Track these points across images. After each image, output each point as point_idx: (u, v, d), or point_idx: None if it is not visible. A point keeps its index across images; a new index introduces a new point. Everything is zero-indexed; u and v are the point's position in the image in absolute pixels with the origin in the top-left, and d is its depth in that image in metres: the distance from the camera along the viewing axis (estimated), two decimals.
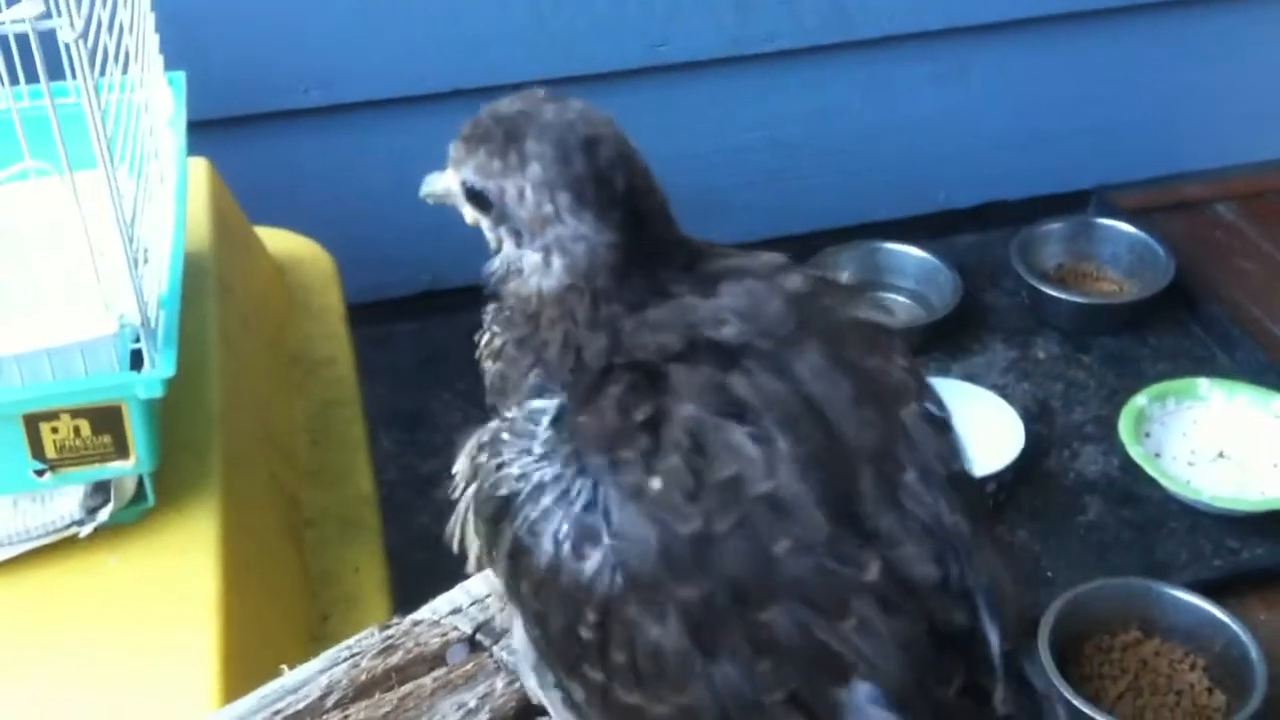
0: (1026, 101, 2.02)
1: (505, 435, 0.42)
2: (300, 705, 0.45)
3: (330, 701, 0.45)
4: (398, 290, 1.93)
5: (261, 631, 0.90)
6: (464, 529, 0.45)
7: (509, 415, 0.43)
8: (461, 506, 0.44)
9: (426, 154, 1.93)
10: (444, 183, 0.47)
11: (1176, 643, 1.39)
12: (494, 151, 0.43)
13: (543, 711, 0.46)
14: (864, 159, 2.00)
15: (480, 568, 0.45)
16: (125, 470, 0.87)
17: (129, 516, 0.90)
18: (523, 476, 0.40)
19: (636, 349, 0.41)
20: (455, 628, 0.49)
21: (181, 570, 0.88)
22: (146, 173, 0.94)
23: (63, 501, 0.88)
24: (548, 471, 0.40)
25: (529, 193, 0.43)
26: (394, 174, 1.85)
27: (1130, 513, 1.59)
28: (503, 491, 0.41)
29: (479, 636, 0.49)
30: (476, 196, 0.44)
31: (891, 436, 0.40)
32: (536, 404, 0.42)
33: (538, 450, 0.40)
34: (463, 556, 0.46)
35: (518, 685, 0.46)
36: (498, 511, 0.41)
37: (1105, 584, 1.41)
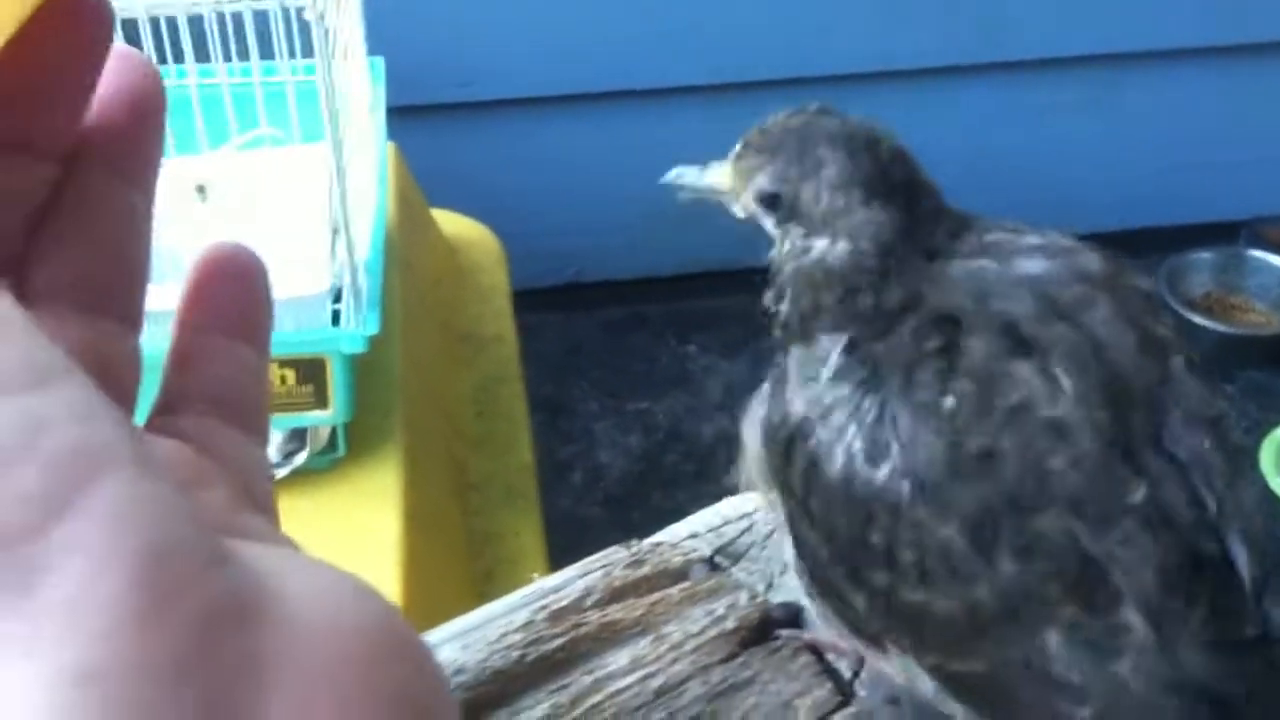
0: (1179, 130, 2.01)
1: (792, 368, 0.46)
2: (564, 603, 0.50)
3: (589, 602, 0.49)
4: (543, 281, 1.99)
5: (436, 580, 0.96)
6: (748, 466, 0.49)
7: (795, 354, 0.47)
8: (747, 441, 0.49)
9: (581, 150, 2.01)
10: (712, 180, 0.52)
11: None
12: (791, 159, 0.48)
13: (783, 623, 0.51)
14: (1010, 179, 2.01)
15: (763, 498, 0.49)
16: (323, 419, 0.94)
17: (321, 464, 0.97)
18: (814, 401, 0.45)
19: (931, 298, 0.45)
20: (694, 550, 0.54)
21: (367, 518, 0.94)
22: (355, 149, 1.00)
23: None
24: (839, 393, 0.44)
25: (824, 192, 0.48)
26: (548, 168, 1.93)
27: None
28: (794, 418, 0.45)
29: (718, 558, 0.53)
30: (770, 199, 0.49)
31: (1164, 381, 0.44)
32: (825, 340, 0.46)
33: (825, 375, 0.45)
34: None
35: (760, 599, 0.50)
36: (789, 438, 0.45)
37: None
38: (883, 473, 0.43)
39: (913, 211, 0.47)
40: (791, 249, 0.49)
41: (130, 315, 0.27)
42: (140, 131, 0.27)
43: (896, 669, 0.47)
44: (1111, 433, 0.42)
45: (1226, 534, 0.43)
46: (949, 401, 0.42)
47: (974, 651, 0.43)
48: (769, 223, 0.51)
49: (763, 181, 0.50)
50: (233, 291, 0.28)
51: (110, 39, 0.26)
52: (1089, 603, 0.41)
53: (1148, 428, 0.43)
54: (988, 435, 0.41)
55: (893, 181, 0.48)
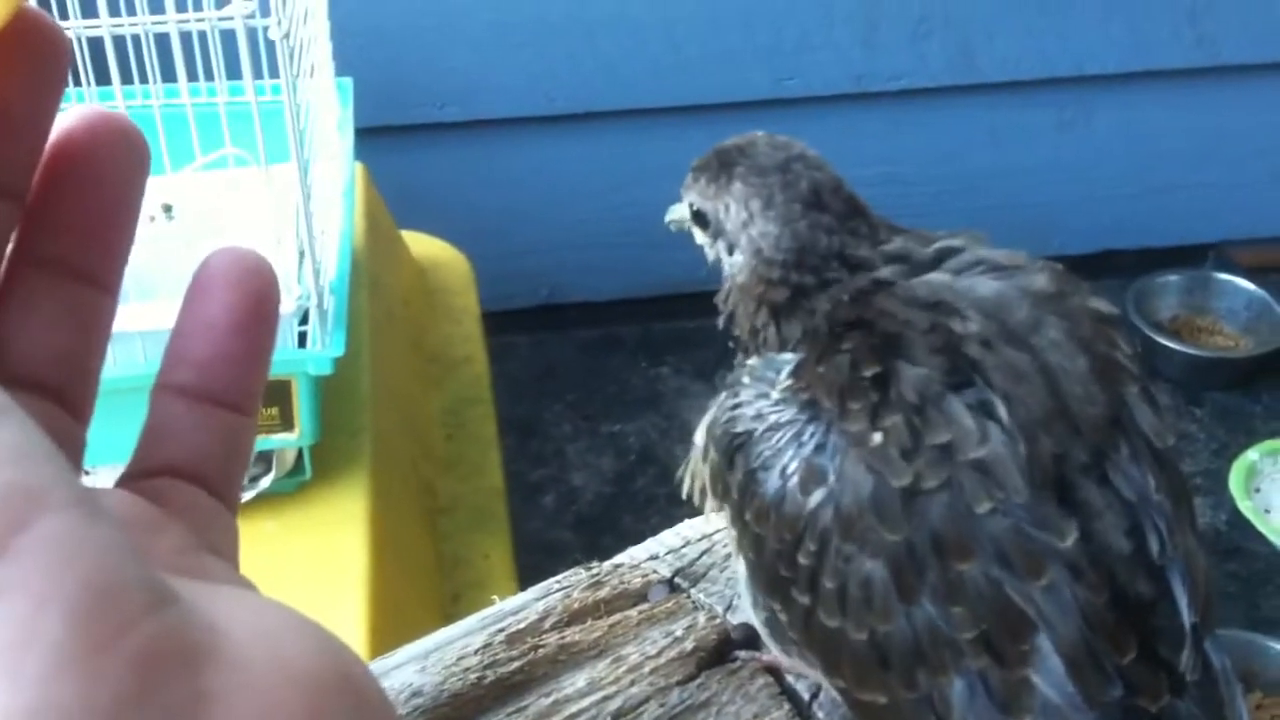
0: (1149, 153, 2.02)
1: (745, 379, 0.47)
2: (521, 625, 0.49)
3: (548, 624, 0.49)
4: (515, 302, 1.99)
5: (402, 604, 0.95)
6: (695, 463, 0.50)
7: (750, 363, 0.47)
8: (697, 440, 0.49)
9: (553, 171, 2.00)
10: (679, 210, 0.54)
11: (1278, 697, 1.38)
12: (711, 178, 0.50)
13: (740, 644, 0.50)
14: (981, 201, 2.02)
15: (704, 499, 0.49)
16: (289, 442, 0.93)
17: (287, 487, 0.96)
18: (758, 416, 0.45)
19: (877, 317, 0.45)
20: (655, 571, 0.53)
21: (334, 541, 0.93)
22: (322, 170, 1.00)
23: None
24: (783, 415, 0.44)
25: (733, 207, 0.49)
26: (520, 189, 1.93)
27: (1236, 566, 1.58)
28: (739, 429, 0.45)
29: (677, 580, 0.53)
30: (699, 216, 0.51)
31: (1113, 412, 0.44)
32: (776, 357, 0.47)
33: (774, 395, 0.45)
34: (683, 500, 0.51)
35: (718, 620, 0.50)
36: (732, 445, 0.46)
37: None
38: (814, 499, 0.43)
39: (823, 225, 0.48)
40: (722, 266, 0.51)
41: (79, 407, 0.26)
42: (111, 212, 0.26)
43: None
44: (1046, 470, 0.42)
45: (1169, 575, 0.43)
46: (877, 437, 0.42)
47: (879, 684, 0.43)
48: (704, 240, 0.52)
49: (690, 199, 0.52)
50: (234, 346, 0.27)
51: (67, 68, 0.26)
52: (1000, 655, 0.41)
53: (1093, 458, 0.43)
54: (914, 475, 0.41)
55: (800, 196, 0.48)
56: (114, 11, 0.89)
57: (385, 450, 1.04)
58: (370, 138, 1.55)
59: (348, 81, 1.19)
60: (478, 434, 1.20)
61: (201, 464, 0.27)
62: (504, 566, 1.09)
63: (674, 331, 1.98)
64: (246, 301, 0.27)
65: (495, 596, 0.55)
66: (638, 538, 0.57)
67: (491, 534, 1.11)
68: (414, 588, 1.00)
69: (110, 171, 0.26)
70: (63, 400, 0.26)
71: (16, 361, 0.25)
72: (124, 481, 0.27)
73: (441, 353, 1.29)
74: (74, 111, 0.26)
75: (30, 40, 0.24)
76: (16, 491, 0.17)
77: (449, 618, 1.05)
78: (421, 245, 1.42)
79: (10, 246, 0.26)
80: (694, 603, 0.52)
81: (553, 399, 1.92)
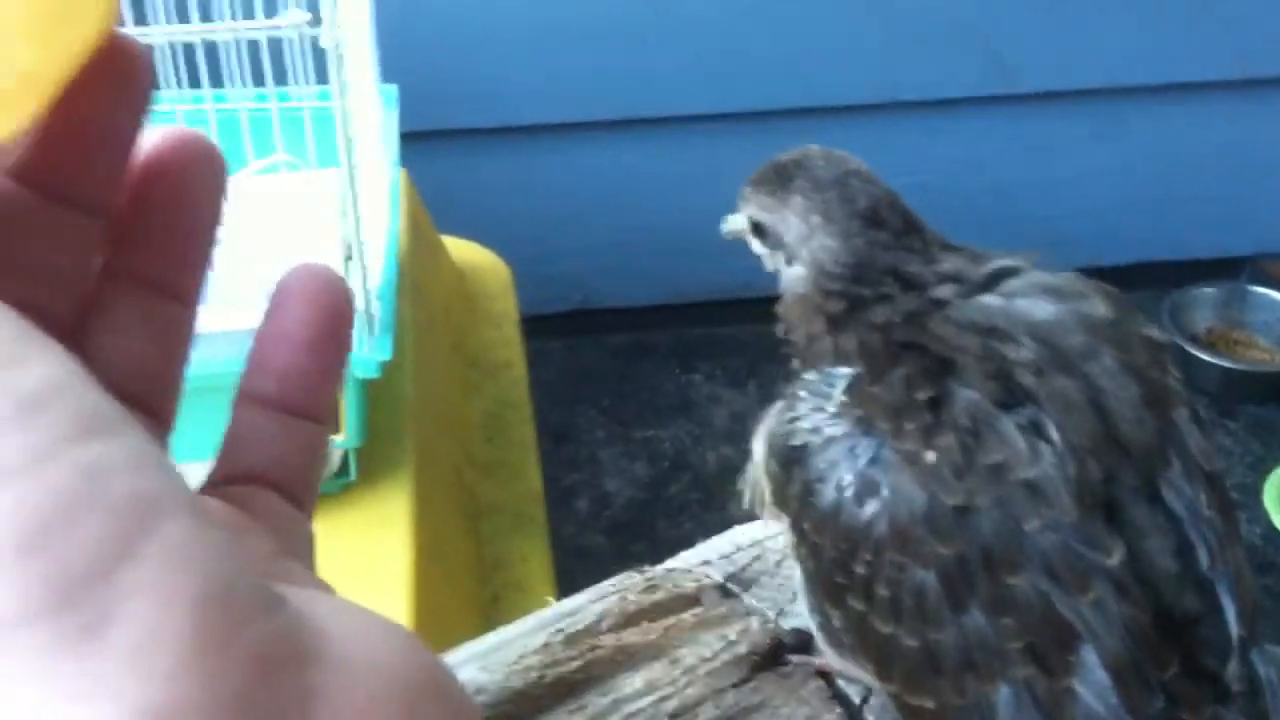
0: (1182, 165, 2.02)
1: (801, 392, 0.48)
2: (579, 626, 0.50)
3: (604, 625, 0.50)
4: (549, 307, 2.00)
5: (444, 605, 0.96)
6: (754, 472, 0.51)
7: (806, 376, 0.49)
8: (756, 450, 0.50)
9: (588, 177, 2.01)
10: (737, 221, 0.55)
11: None
12: (770, 192, 0.51)
13: (793, 649, 0.51)
14: (1013, 211, 2.02)
15: (762, 506, 0.51)
16: (335, 444, 0.94)
17: (332, 488, 0.98)
18: (815, 430, 0.46)
19: (930, 339, 0.46)
20: (707, 575, 0.54)
21: (379, 542, 0.95)
22: (369, 175, 1.01)
23: None
24: (838, 429, 0.45)
25: (792, 220, 0.50)
26: (555, 194, 1.95)
27: (1271, 581, 1.58)
28: (796, 441, 0.47)
29: (729, 584, 0.54)
30: (758, 229, 0.52)
31: (1164, 435, 0.45)
32: (833, 371, 0.48)
33: (830, 409, 0.46)
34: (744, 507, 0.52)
35: (770, 625, 0.51)
36: (790, 456, 0.47)
37: None
38: (869, 511, 0.44)
39: (880, 241, 0.49)
40: (781, 276, 0.52)
41: (163, 415, 0.28)
42: (194, 229, 0.28)
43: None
44: (1095, 491, 0.43)
45: (1218, 588, 0.44)
46: (931, 456, 0.43)
47: (929, 689, 0.44)
48: (762, 250, 0.54)
49: (750, 212, 0.53)
50: (311, 361, 0.28)
51: (150, 89, 0.26)
52: (1046, 665, 0.42)
53: (1143, 480, 0.44)
54: (966, 493, 0.43)
55: (858, 211, 0.49)
56: (170, 19, 0.91)
57: (428, 453, 1.05)
58: (410, 142, 1.57)
59: (392, 88, 1.20)
60: (516, 438, 1.22)
61: (281, 471, 0.28)
62: (542, 570, 1.10)
63: (706, 337, 1.99)
64: (324, 316, 0.28)
65: (549, 598, 0.56)
66: (671, 543, 0.58)
67: (529, 537, 1.13)
68: (455, 589, 1.01)
69: (195, 190, 0.27)
70: (148, 409, 0.27)
71: (108, 373, 0.26)
72: (208, 488, 0.28)
73: (481, 357, 1.30)
74: (160, 131, 0.27)
75: (117, 62, 0.25)
76: (139, 499, 0.18)
77: (489, 620, 1.06)
78: (460, 250, 1.43)
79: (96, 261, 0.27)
80: (747, 607, 0.53)
81: (586, 404, 1.93)
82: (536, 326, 2.02)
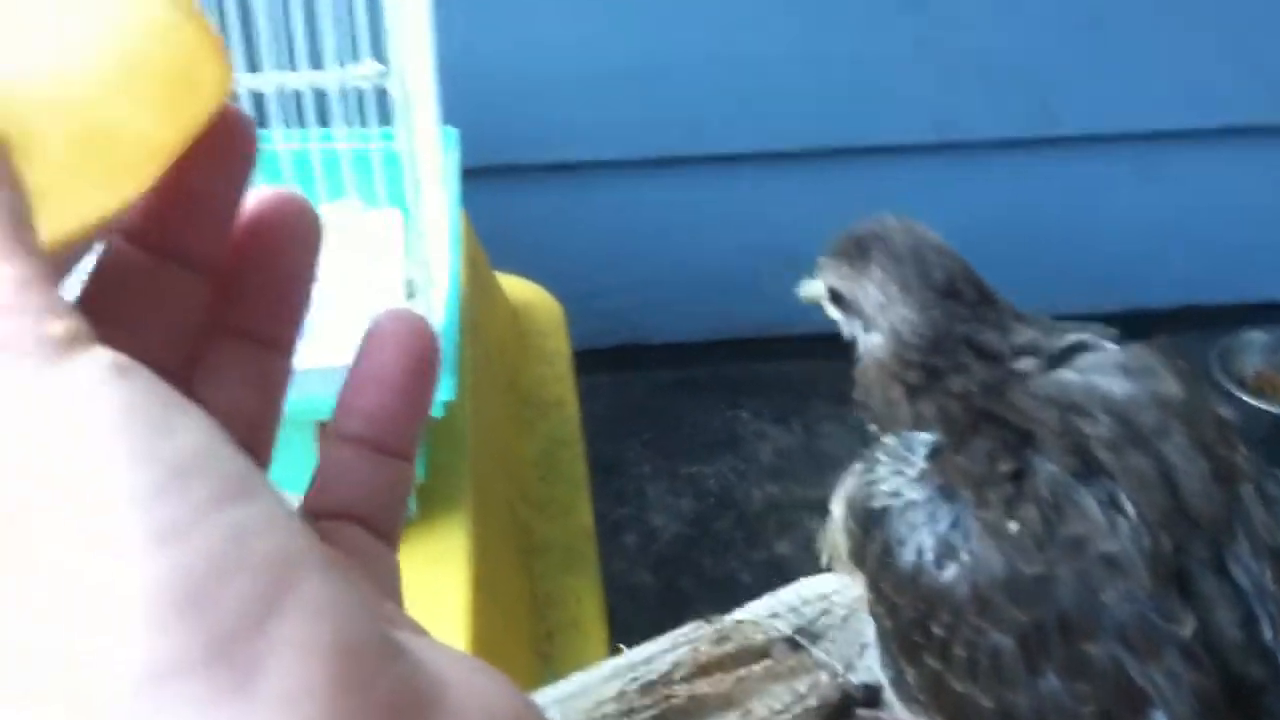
0: (1229, 207, 2.02)
1: (881, 456, 0.50)
2: (654, 675, 0.52)
3: (678, 675, 0.52)
4: (596, 341, 2.02)
5: (500, 642, 0.98)
6: (832, 531, 0.52)
7: (886, 441, 0.50)
8: (835, 511, 0.52)
9: (636, 214, 2.03)
10: (815, 288, 0.57)
11: None
12: (849, 262, 0.53)
13: (862, 703, 0.53)
14: (1058, 253, 2.02)
15: (838, 564, 0.52)
16: None
17: None
18: (895, 493, 0.48)
19: (1009, 410, 0.48)
20: (775, 628, 0.56)
21: (437, 578, 0.96)
22: (432, 216, 1.04)
23: None
24: (920, 494, 0.47)
25: (871, 290, 0.52)
26: (604, 231, 1.97)
27: None
28: (876, 504, 0.48)
29: (797, 637, 0.56)
30: (836, 297, 0.54)
31: (1231, 509, 0.47)
32: (913, 437, 0.49)
33: (911, 474, 0.48)
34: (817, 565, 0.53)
35: (840, 679, 0.53)
36: (870, 518, 0.49)
37: None
38: (948, 575, 0.46)
39: (958, 314, 0.51)
40: (859, 343, 0.53)
41: (261, 460, 0.29)
42: (292, 284, 0.29)
43: None
44: (1169, 564, 0.45)
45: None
46: (1014, 526, 0.45)
47: None
48: (840, 318, 0.55)
49: (829, 281, 0.55)
50: (397, 401, 0.29)
51: (255, 159, 0.28)
52: None
53: (1211, 552, 0.46)
54: (1046, 563, 0.44)
55: (934, 284, 0.51)
56: (249, 68, 0.93)
57: (484, 490, 1.07)
58: (464, 179, 1.59)
59: (453, 131, 1.23)
60: (569, 475, 1.23)
61: (368, 507, 0.29)
62: (595, 606, 1.11)
63: (752, 374, 2.00)
64: (412, 361, 0.29)
65: (621, 646, 0.57)
66: (717, 582, 0.60)
67: (582, 574, 1.14)
68: (511, 626, 1.03)
69: (293, 247, 0.29)
70: (249, 453, 0.29)
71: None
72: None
73: (534, 394, 1.32)
74: (261, 193, 0.29)
75: (228, 130, 0.27)
76: (280, 557, 0.20)
77: (544, 656, 1.08)
78: (514, 287, 1.45)
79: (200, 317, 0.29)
80: (816, 660, 0.55)
81: (633, 438, 1.95)
82: (583, 361, 2.04)
